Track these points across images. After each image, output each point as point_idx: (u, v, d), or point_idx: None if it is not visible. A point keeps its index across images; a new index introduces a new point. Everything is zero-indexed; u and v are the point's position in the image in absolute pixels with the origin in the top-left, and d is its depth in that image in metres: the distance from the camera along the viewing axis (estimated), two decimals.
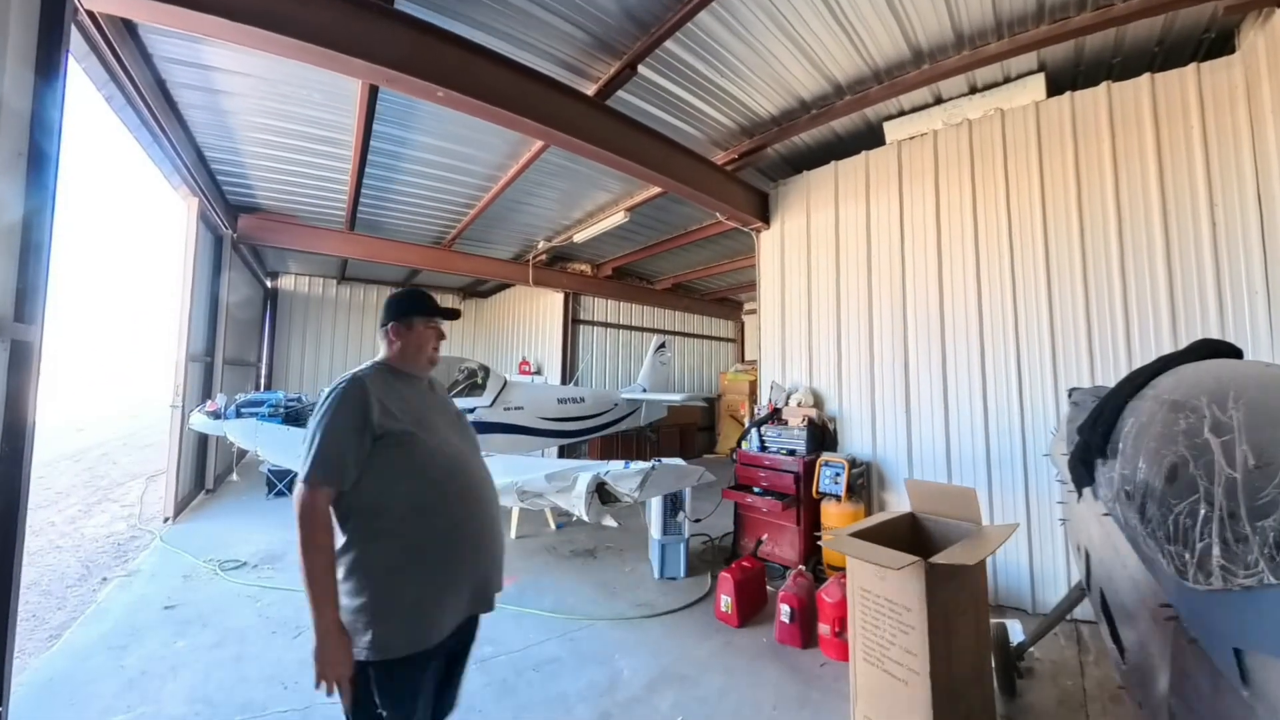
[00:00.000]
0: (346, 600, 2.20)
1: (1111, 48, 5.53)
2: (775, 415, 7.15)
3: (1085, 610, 4.11)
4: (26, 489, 3.31)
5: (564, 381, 13.64)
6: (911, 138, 6.63)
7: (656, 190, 8.33)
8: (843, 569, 4.39)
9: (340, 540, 2.28)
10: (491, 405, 9.23)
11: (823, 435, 6.89)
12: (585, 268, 13.92)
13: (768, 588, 5.79)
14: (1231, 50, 4.98)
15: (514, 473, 4.93)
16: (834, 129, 7.07)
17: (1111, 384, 2.58)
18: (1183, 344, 3.47)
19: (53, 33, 3.54)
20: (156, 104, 5.83)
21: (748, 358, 18.29)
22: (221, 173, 8.26)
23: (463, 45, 4.76)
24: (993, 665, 3.98)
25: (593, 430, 11.62)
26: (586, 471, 4.43)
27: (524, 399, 9.91)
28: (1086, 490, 2.53)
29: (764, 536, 6.55)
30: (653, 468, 4.42)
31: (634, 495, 4.27)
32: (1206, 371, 1.92)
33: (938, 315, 6.27)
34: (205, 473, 9.90)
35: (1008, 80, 6.00)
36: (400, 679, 2.22)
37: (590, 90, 5.91)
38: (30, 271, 3.34)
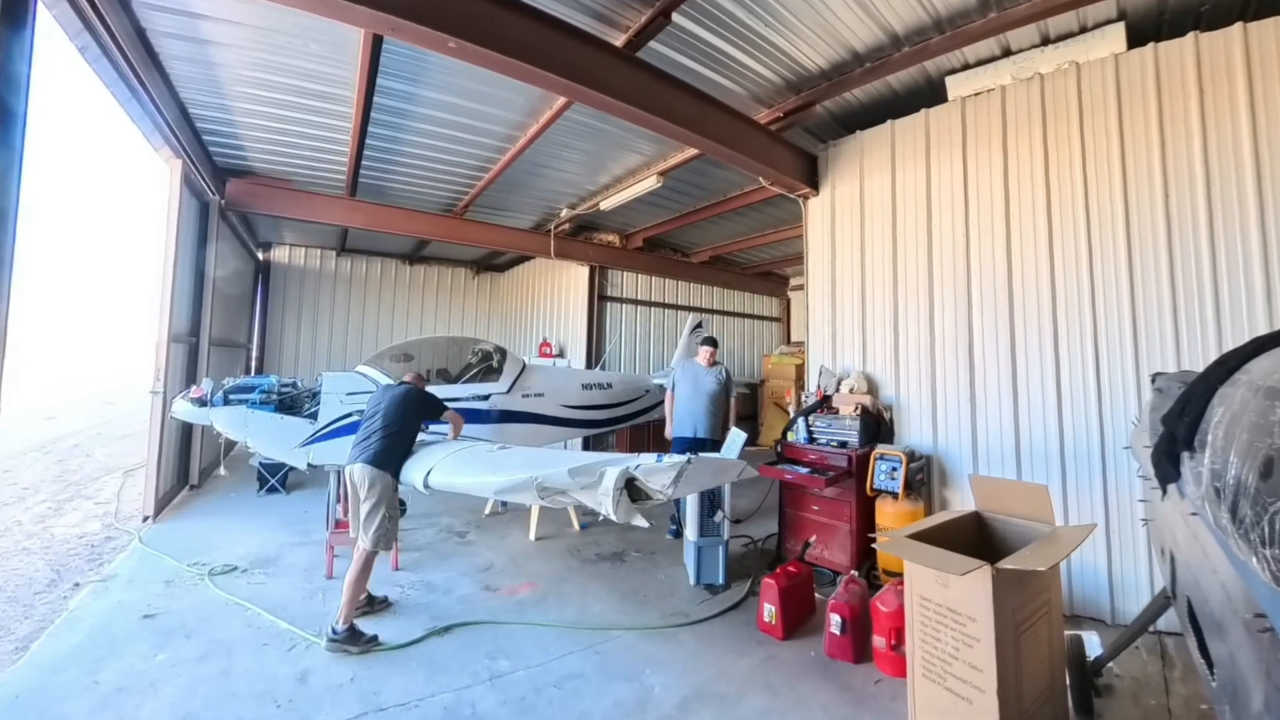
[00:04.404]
0: None
1: None
2: (825, 403, 7.22)
3: (1170, 621, 4.12)
4: None
5: (589, 365, 13.71)
6: (977, 94, 6.61)
7: (692, 152, 8.38)
8: (900, 575, 4.46)
9: None
10: (508, 391, 9.27)
11: (877, 426, 6.94)
12: (613, 238, 13.97)
13: (816, 595, 5.86)
14: None
15: (533, 467, 4.93)
16: (890, 84, 7.05)
17: (1199, 368, 2.59)
18: None
19: None
20: (136, 55, 5.91)
21: (794, 339, 18.31)
22: (208, 132, 8.40)
23: None
24: (1067, 682, 4.04)
25: (621, 420, 11.58)
26: (614, 466, 4.44)
27: (544, 385, 9.94)
28: (1171, 487, 2.54)
29: (812, 538, 6.62)
30: (688, 461, 4.45)
31: (667, 492, 4.29)
32: None
33: (1006, 292, 6.29)
34: (189, 467, 10.09)
35: (1084, 30, 5.95)
36: None
37: (619, 41, 5.96)
38: None
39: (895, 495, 6.20)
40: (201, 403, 7.48)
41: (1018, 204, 6.29)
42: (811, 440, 7.07)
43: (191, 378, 9.54)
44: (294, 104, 7.58)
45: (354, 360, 11.39)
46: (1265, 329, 4.65)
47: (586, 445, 12.23)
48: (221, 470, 10.73)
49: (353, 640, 5.04)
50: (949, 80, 6.75)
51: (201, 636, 5.15)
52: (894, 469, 6.24)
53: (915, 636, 3.82)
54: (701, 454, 5.14)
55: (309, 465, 7.52)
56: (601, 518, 5.61)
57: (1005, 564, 3.39)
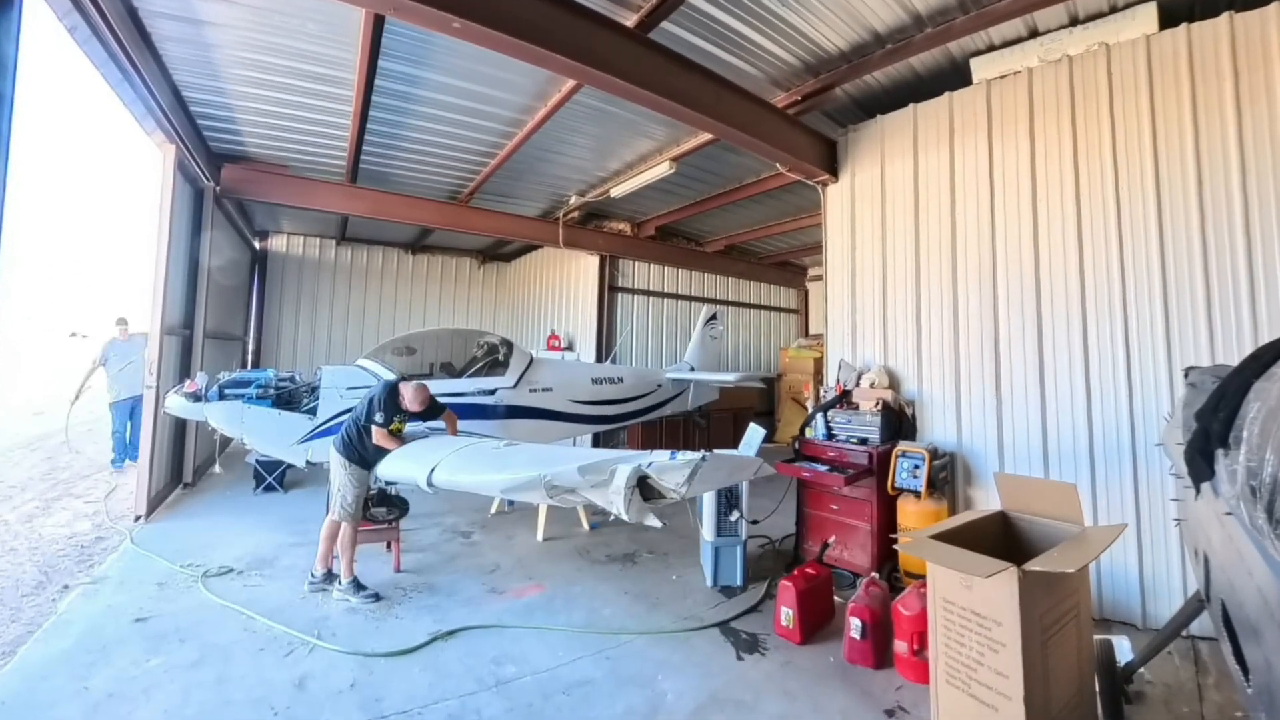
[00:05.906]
0: None
1: None
2: (844, 398, 7.23)
3: (1204, 625, 4.14)
4: None
5: (599, 359, 13.73)
6: (1002, 76, 6.60)
7: (707, 137, 8.39)
8: (922, 577, 4.46)
9: None
10: (515, 386, 9.30)
11: (899, 422, 6.95)
12: (624, 227, 14.01)
13: (835, 598, 5.87)
14: None
15: (541, 464, 4.94)
16: (912, 66, 7.04)
17: (1234, 362, 2.60)
18: None
19: None
20: (128, 36, 5.91)
21: (812, 331, 18.28)
22: (202, 115, 8.45)
23: None
24: (1096, 689, 4.04)
25: (632, 415, 11.63)
26: (626, 463, 4.44)
27: (553, 379, 9.98)
28: (1205, 486, 2.54)
29: (831, 539, 6.65)
30: (703, 459, 4.46)
31: (681, 491, 4.29)
32: None
33: (1033, 283, 6.29)
34: (183, 464, 10.17)
35: (1114, 10, 5.93)
36: None
37: (630, 21, 5.96)
38: None
39: (918, 494, 6.21)
40: (196, 397, 7.49)
41: (1045, 191, 6.28)
42: (830, 437, 7.09)
43: (185, 371, 9.60)
44: (292, 87, 7.60)
45: (354, 354, 11.38)
46: None
47: (597, 442, 12.25)
48: (217, 468, 10.67)
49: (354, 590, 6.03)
50: (974, 62, 6.74)
51: (195, 641, 5.16)
52: (916, 467, 6.24)
53: (938, 641, 3.83)
54: (717, 451, 5.16)
55: (307, 463, 7.52)
56: (612, 517, 5.63)
57: (1032, 566, 3.40)
